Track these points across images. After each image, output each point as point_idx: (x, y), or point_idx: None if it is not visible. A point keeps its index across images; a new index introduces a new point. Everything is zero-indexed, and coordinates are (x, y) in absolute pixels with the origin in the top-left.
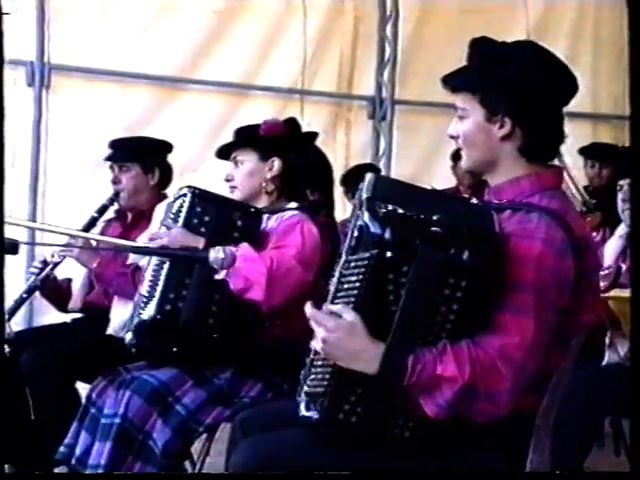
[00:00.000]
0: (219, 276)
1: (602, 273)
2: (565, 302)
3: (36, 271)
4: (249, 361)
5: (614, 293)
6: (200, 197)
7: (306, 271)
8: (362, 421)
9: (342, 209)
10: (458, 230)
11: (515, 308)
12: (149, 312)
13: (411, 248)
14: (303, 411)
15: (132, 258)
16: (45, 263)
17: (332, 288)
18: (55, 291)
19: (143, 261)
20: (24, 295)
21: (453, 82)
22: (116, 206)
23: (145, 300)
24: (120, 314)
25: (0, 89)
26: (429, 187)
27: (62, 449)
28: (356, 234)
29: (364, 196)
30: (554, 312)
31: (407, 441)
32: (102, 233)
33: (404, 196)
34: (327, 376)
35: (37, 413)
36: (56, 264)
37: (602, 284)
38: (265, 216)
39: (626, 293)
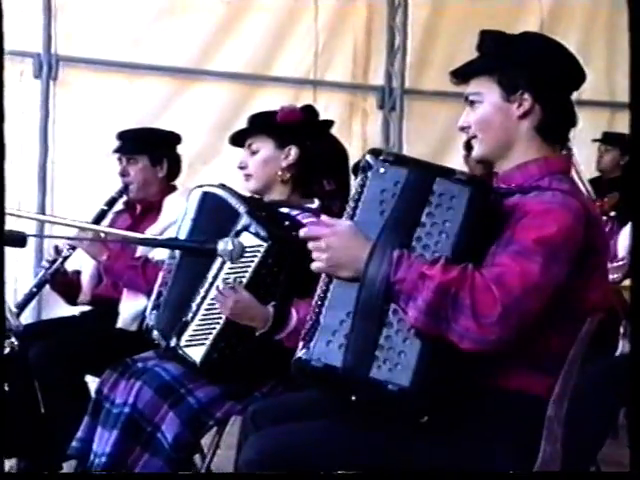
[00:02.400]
0: (279, 336)
1: (616, 264)
2: (572, 269)
3: (47, 265)
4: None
5: (628, 283)
6: (277, 252)
7: None
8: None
9: None
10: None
11: (520, 253)
12: (194, 354)
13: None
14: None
15: (141, 250)
16: (58, 252)
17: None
18: (65, 285)
19: (152, 253)
20: (34, 289)
21: (467, 68)
22: (125, 198)
23: (195, 334)
24: (130, 307)
25: (0, 89)
26: None
27: (74, 444)
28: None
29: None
30: (563, 272)
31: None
32: (111, 225)
33: None
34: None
35: (47, 407)
36: (66, 257)
37: (616, 275)
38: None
39: None
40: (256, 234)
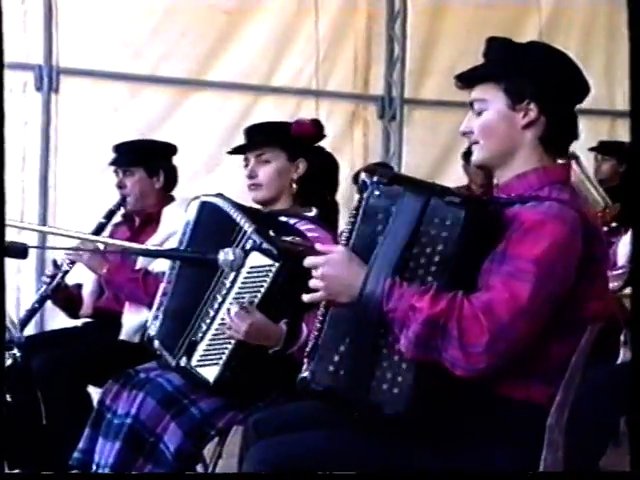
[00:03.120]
0: (291, 350)
1: (616, 272)
2: (571, 281)
3: (48, 280)
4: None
5: (629, 291)
6: (287, 270)
7: None
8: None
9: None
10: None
11: (512, 274)
12: (207, 374)
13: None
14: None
15: (141, 262)
16: (57, 267)
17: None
18: (67, 299)
19: (153, 265)
20: (36, 305)
21: (473, 74)
22: (123, 210)
23: (207, 354)
24: (132, 319)
25: (0, 92)
26: None
27: (76, 454)
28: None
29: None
30: (559, 287)
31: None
32: (110, 237)
33: None
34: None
35: (49, 418)
36: (66, 272)
37: (616, 283)
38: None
39: None
40: (267, 253)
